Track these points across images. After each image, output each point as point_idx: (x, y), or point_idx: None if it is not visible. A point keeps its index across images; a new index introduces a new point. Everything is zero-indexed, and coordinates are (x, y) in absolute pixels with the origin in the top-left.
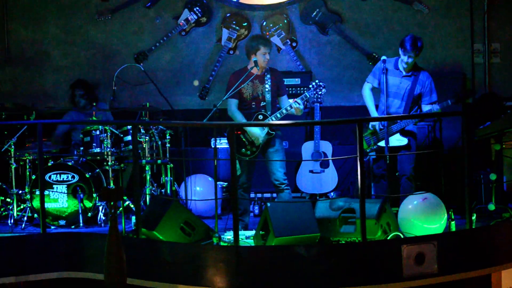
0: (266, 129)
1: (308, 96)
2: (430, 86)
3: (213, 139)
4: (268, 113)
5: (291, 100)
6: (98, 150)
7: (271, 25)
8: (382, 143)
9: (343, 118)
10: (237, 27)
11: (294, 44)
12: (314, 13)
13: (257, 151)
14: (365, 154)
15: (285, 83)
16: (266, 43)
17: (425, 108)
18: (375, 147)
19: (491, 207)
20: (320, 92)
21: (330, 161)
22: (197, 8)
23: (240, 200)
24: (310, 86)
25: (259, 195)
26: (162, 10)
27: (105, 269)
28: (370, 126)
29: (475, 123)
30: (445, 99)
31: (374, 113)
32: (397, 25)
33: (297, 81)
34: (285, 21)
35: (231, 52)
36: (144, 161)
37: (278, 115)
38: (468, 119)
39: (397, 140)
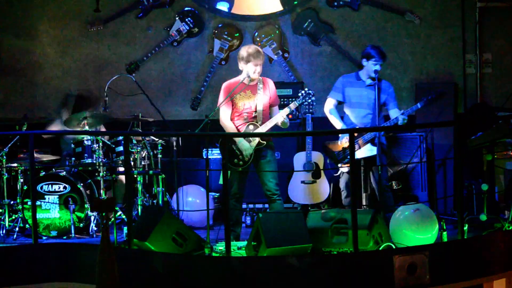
0: (256, 140)
1: (297, 104)
2: (393, 94)
3: (205, 149)
4: (259, 123)
5: (284, 110)
6: (89, 160)
7: (263, 35)
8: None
9: (335, 129)
10: (229, 38)
11: (286, 55)
12: (306, 24)
13: (249, 161)
14: (337, 168)
15: (277, 93)
16: (257, 55)
17: (394, 114)
18: (346, 160)
19: (483, 217)
20: (309, 100)
21: (322, 171)
22: (189, 18)
23: (232, 211)
24: (299, 94)
25: (251, 205)
26: (154, 20)
27: (97, 280)
28: (339, 141)
29: (467, 133)
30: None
31: (340, 126)
32: (389, 35)
33: (289, 91)
34: (277, 31)
35: (223, 62)
36: (136, 171)
37: (269, 125)
38: (460, 130)
39: (369, 150)
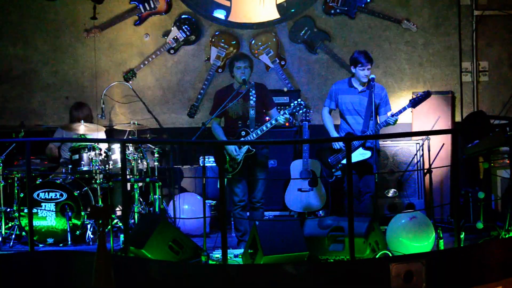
0: (246, 146)
1: (287, 113)
2: (385, 98)
3: (201, 157)
4: (251, 129)
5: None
6: (86, 168)
7: (259, 43)
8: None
9: (332, 137)
10: (225, 46)
11: (282, 63)
12: (303, 32)
13: (238, 167)
14: (331, 174)
15: (270, 96)
16: (240, 57)
17: (383, 119)
18: (340, 165)
19: (480, 225)
20: (300, 111)
21: (319, 179)
22: (186, 26)
23: (240, 221)
24: (291, 104)
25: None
26: (151, 28)
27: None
28: (334, 147)
29: (463, 142)
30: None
31: (334, 133)
32: (386, 43)
33: (285, 99)
34: (274, 39)
35: (220, 70)
36: (132, 179)
37: (259, 132)
38: (457, 138)
39: (361, 154)
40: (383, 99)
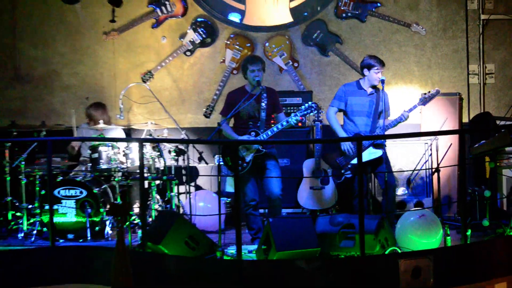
0: (256, 147)
1: (299, 115)
2: (388, 104)
3: (216, 155)
4: (261, 130)
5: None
6: (105, 166)
7: (273, 46)
8: (354, 161)
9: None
10: (240, 48)
11: (295, 65)
12: (315, 35)
13: (247, 166)
14: (341, 176)
15: (286, 102)
16: (253, 61)
17: (390, 119)
18: (349, 166)
19: (486, 223)
20: (311, 114)
21: (330, 178)
22: (202, 29)
23: (253, 220)
24: (302, 107)
25: (261, 210)
26: (168, 30)
27: (112, 282)
28: (342, 148)
29: (470, 142)
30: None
31: (342, 133)
32: (395, 46)
33: (298, 100)
34: (287, 42)
35: (235, 72)
36: (150, 177)
37: (269, 133)
38: (464, 138)
39: (371, 153)
40: (386, 104)
